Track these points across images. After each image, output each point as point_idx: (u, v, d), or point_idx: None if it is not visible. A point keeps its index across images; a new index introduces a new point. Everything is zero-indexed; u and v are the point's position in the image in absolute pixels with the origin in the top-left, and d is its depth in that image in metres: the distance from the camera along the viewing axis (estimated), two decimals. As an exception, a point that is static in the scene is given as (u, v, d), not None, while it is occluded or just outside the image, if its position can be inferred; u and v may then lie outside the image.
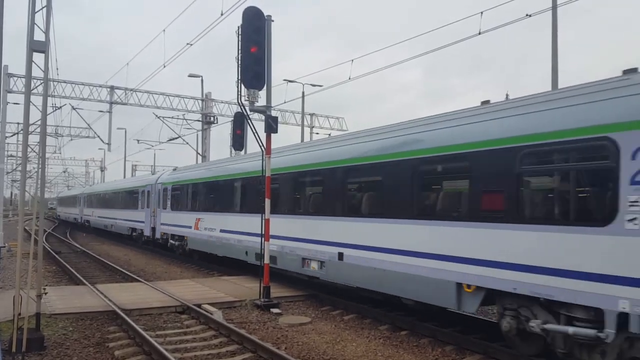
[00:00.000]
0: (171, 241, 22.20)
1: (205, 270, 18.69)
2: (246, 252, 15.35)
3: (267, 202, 12.30)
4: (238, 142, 14.49)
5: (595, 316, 6.45)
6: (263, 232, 12.26)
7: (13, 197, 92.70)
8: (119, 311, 10.53)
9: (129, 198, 28.87)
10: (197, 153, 36.20)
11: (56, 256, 21.95)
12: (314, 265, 12.26)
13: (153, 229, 24.39)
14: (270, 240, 12.69)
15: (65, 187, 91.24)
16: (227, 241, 16.74)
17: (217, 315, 10.52)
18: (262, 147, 12.29)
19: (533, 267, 7.16)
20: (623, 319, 6.15)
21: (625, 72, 7.00)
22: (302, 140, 32.64)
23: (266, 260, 12.15)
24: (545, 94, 7.86)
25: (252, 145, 34.86)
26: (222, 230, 17.16)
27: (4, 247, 22.34)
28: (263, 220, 12.29)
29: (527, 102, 7.88)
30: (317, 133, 37.39)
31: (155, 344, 8.16)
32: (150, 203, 24.99)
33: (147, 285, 14.28)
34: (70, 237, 35.39)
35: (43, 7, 8.73)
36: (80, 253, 25.39)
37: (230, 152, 30.09)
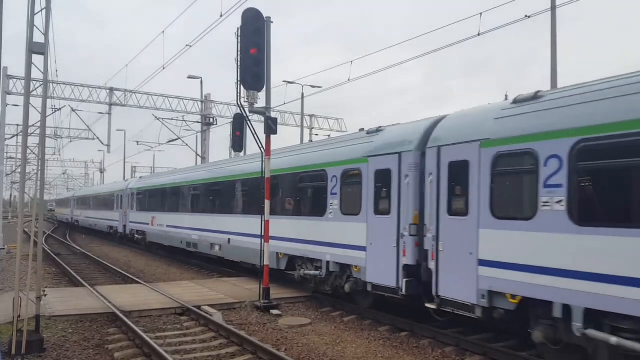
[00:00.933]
0: (136, 235, 27.32)
1: (205, 272, 18.68)
2: (181, 242, 21.02)
3: (267, 203, 12.31)
4: (237, 143, 14.48)
5: (322, 265, 12.10)
6: (263, 234, 12.26)
7: (12, 199, 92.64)
8: (118, 313, 10.52)
9: (108, 201, 34.53)
10: (197, 154, 36.20)
11: (56, 258, 21.93)
12: (217, 248, 17.67)
13: (124, 227, 29.58)
14: (192, 232, 19.76)
15: (65, 189, 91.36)
16: (170, 234, 22.33)
17: (217, 316, 10.51)
18: (262, 149, 12.29)
19: (302, 240, 12.84)
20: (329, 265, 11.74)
21: (360, 130, 12.05)
22: (302, 141, 32.64)
23: (267, 261, 12.14)
24: (314, 143, 15.14)
25: (252, 147, 34.83)
26: (167, 226, 22.74)
27: (4, 249, 22.32)
28: (263, 222, 12.29)
29: (305, 147, 14.57)
30: (317, 134, 37.39)
31: (155, 346, 8.15)
32: (123, 205, 30.24)
33: (146, 287, 14.27)
34: (70, 239, 35.38)
35: (42, 9, 8.73)
36: (79, 255, 25.38)
37: (230, 153, 30.12)
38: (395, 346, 8.99)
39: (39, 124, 13.19)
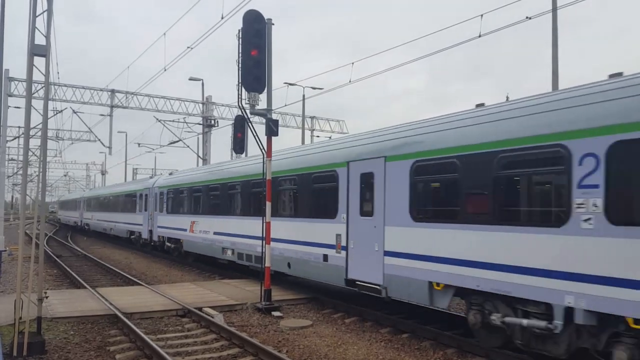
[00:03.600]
0: (86, 227, 43.36)
1: (207, 274, 18.68)
2: (102, 228, 36.54)
3: (268, 205, 12.30)
4: (239, 145, 14.50)
5: (137, 235, 28.30)
6: (264, 236, 12.25)
7: (14, 200, 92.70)
8: (120, 315, 10.52)
9: (74, 204, 52.33)
10: (198, 156, 36.21)
11: (57, 260, 21.95)
12: (111, 229, 32.95)
13: (81, 221, 46.09)
14: (105, 222, 35.90)
15: (67, 190, 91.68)
16: (100, 224, 37.48)
17: (218, 318, 10.51)
18: (263, 150, 12.29)
19: (131, 223, 28.60)
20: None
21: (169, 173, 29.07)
22: (303, 142, 32.63)
23: (267, 263, 12.14)
24: (135, 181, 40.71)
25: (253, 148, 34.78)
26: (97, 220, 38.60)
27: (5, 251, 22.33)
28: (264, 224, 12.29)
29: (130, 182, 38.37)
30: (318, 136, 37.42)
31: (157, 348, 8.15)
32: (80, 207, 47.15)
33: (148, 288, 14.27)
34: (71, 241, 35.41)
35: (44, 11, 8.75)
36: (81, 257, 25.40)
37: (231, 155, 30.11)
38: (397, 348, 8.97)
39: (40, 126, 13.21)
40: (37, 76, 9.07)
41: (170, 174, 24.78)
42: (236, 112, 26.90)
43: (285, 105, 28.37)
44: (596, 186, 6.43)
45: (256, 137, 12.12)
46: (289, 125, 36.72)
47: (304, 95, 32.27)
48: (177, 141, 35.19)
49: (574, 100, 6.95)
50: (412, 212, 9.21)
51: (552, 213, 7.06)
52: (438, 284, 8.68)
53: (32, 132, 17.23)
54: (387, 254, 9.72)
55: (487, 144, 7.90)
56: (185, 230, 19.94)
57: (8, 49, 8.64)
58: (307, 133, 36.45)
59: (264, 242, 12.29)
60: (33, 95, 12.63)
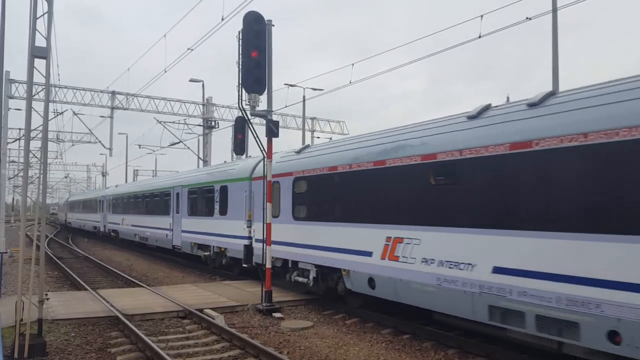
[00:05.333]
0: (68, 224, 54.69)
1: (207, 275, 18.68)
2: (83, 225, 45.84)
3: (269, 206, 12.31)
4: (239, 146, 14.46)
5: (99, 229, 40.36)
6: (265, 237, 12.25)
7: (15, 202, 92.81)
8: (120, 316, 10.52)
9: (65, 206, 62.66)
10: (199, 158, 36.21)
11: (58, 262, 21.96)
12: (84, 226, 44.98)
13: (65, 220, 57.84)
14: (80, 220, 48.41)
15: (67, 192, 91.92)
16: (77, 221, 48.98)
17: (219, 320, 10.50)
18: (263, 151, 12.30)
19: (91, 220, 42.34)
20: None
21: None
22: (303, 143, 32.59)
23: (268, 264, 12.15)
24: (96, 191, 53.57)
25: (254, 150, 34.78)
26: (76, 218, 49.87)
27: (6, 252, 22.33)
28: (265, 225, 12.29)
29: (93, 191, 54.80)
30: (318, 137, 37.40)
31: (157, 349, 8.15)
32: (65, 209, 58.69)
33: (149, 290, 14.28)
34: (72, 243, 35.42)
35: (45, 13, 8.76)
36: (82, 258, 25.40)
37: (232, 156, 30.11)
38: (398, 349, 8.97)
39: (41, 128, 13.21)
40: (38, 78, 9.08)
41: (116, 186, 37.33)
42: (236, 113, 26.92)
43: (286, 107, 28.40)
44: (218, 201, 17.53)
45: (257, 138, 12.13)
46: (290, 127, 36.71)
47: (304, 97, 32.25)
48: (178, 142, 35.18)
49: (211, 170, 19.69)
50: (189, 211, 20.33)
51: (211, 210, 17.93)
52: (193, 243, 19.82)
53: (32, 134, 17.24)
54: (183, 231, 20.84)
55: (200, 183, 19.27)
56: (119, 224, 31.70)
57: (8, 49, 8.64)
58: (308, 134, 36.46)
59: (264, 244, 12.31)
60: (33, 97, 12.64)
